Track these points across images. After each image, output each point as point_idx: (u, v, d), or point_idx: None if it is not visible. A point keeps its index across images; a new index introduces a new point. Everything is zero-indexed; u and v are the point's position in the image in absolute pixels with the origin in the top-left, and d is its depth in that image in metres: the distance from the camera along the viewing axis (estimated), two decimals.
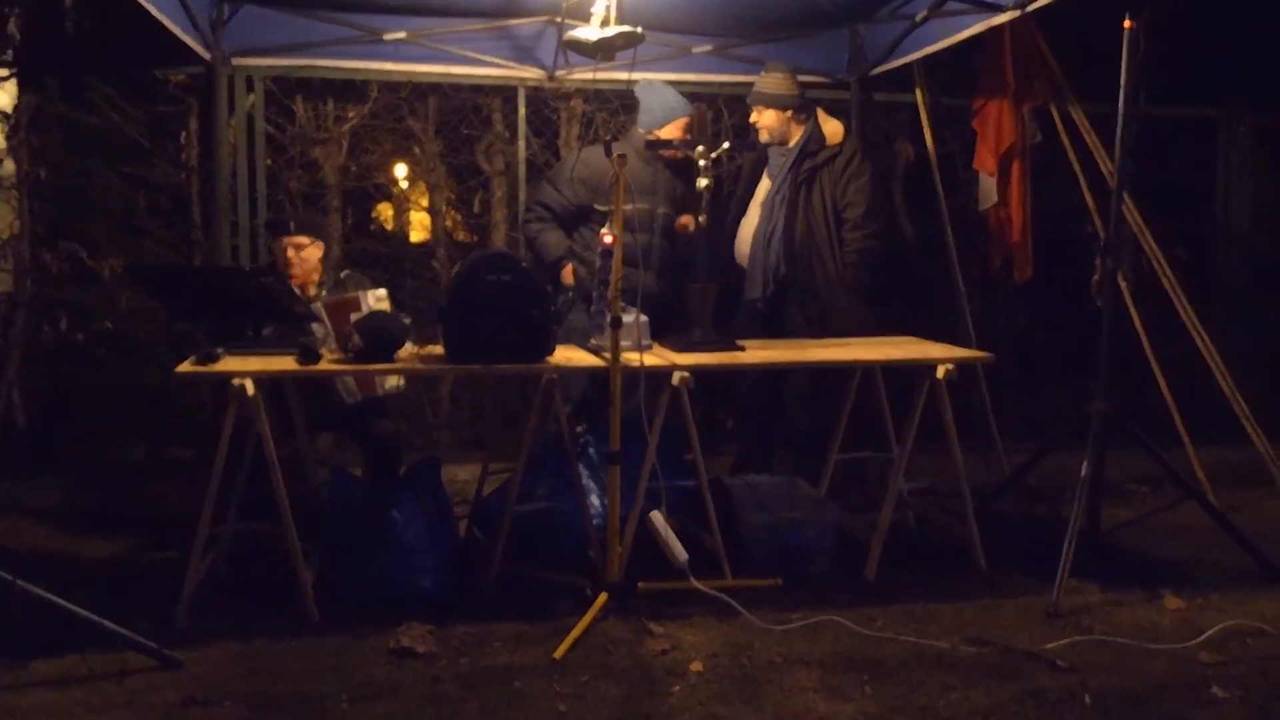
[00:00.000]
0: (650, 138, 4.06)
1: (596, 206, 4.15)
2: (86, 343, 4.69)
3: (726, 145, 3.86)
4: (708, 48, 4.81)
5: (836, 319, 4.18)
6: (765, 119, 4.25)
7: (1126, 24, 3.58)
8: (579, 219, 4.25)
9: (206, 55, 4.36)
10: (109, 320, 4.71)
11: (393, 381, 3.84)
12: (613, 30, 3.77)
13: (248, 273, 4.34)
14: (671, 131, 4.16)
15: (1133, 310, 4.79)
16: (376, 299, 3.72)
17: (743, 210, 4.39)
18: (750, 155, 4.52)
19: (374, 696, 2.69)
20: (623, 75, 4.44)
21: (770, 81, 4.24)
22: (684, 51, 4.80)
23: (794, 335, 4.13)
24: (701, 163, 3.63)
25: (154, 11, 3.54)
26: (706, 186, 3.64)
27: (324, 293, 3.95)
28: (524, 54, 4.78)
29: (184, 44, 4.06)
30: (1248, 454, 4.69)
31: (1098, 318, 3.79)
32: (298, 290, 3.94)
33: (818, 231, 4.20)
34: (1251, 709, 2.66)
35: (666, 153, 4.20)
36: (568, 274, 4.21)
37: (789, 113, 4.25)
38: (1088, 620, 3.22)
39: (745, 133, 4.96)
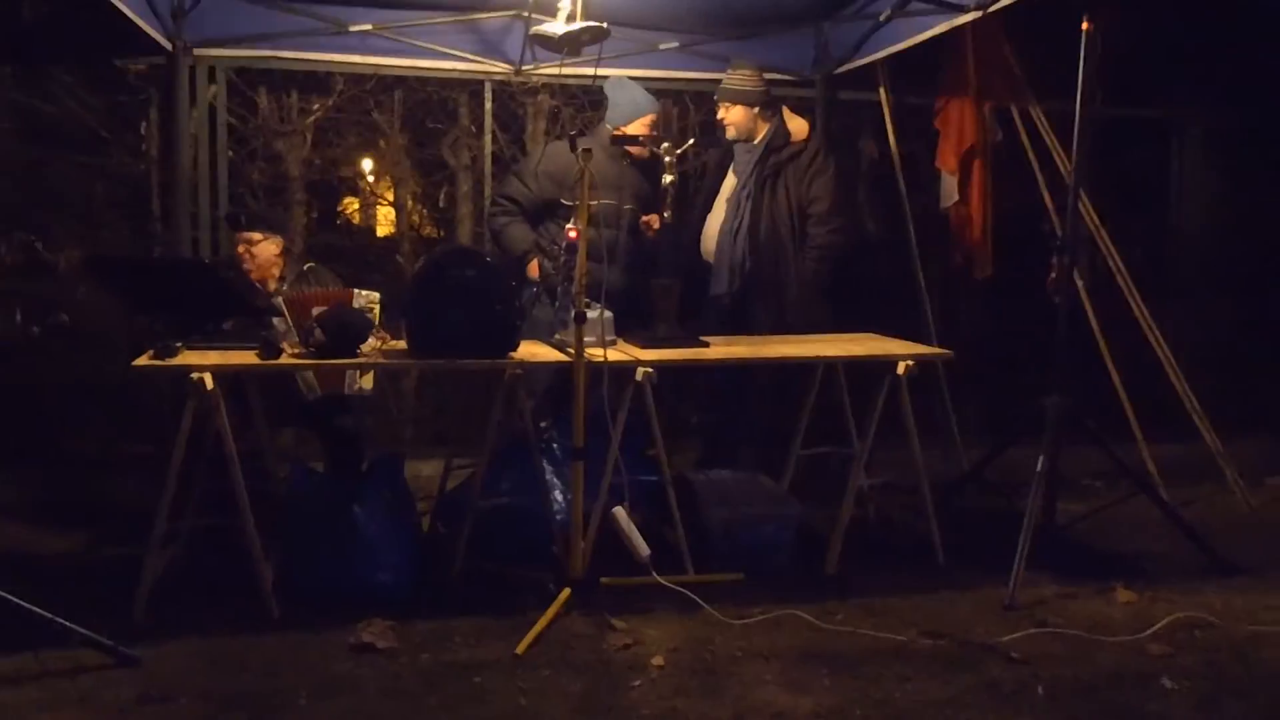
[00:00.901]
0: (616, 134, 4.06)
1: (562, 201, 4.15)
2: (42, 335, 4.62)
3: (692, 142, 3.89)
4: (674, 44, 4.83)
5: (799, 315, 4.21)
6: (732, 115, 4.27)
7: (1085, 25, 3.64)
8: (545, 214, 4.25)
9: (168, 45, 4.30)
10: (65, 312, 4.63)
11: (361, 382, 3.82)
12: (579, 25, 3.78)
13: (207, 265, 4.29)
14: (638, 129, 4.17)
15: (1089, 307, 4.86)
16: (368, 300, 3.67)
17: (708, 206, 4.42)
18: (716, 152, 4.55)
19: (334, 692, 2.68)
20: (589, 70, 4.44)
21: (737, 78, 4.26)
22: (650, 47, 4.80)
23: (759, 331, 4.16)
24: (667, 159, 3.64)
25: (114, 0, 3.49)
26: (671, 183, 3.66)
27: (285, 287, 3.92)
28: (491, 48, 4.76)
29: (145, 33, 4.00)
30: (1198, 449, 4.78)
31: (1055, 315, 3.86)
32: (258, 285, 3.91)
33: (782, 228, 4.23)
34: (1199, 699, 2.73)
35: (633, 150, 4.21)
36: (533, 268, 4.21)
37: (756, 109, 4.27)
38: (1042, 613, 3.27)
39: (711, 129, 4.98)
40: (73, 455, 4.60)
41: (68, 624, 2.71)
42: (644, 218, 4.24)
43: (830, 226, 4.24)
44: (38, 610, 2.68)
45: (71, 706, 2.57)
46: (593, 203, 3.87)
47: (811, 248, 4.23)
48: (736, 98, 4.25)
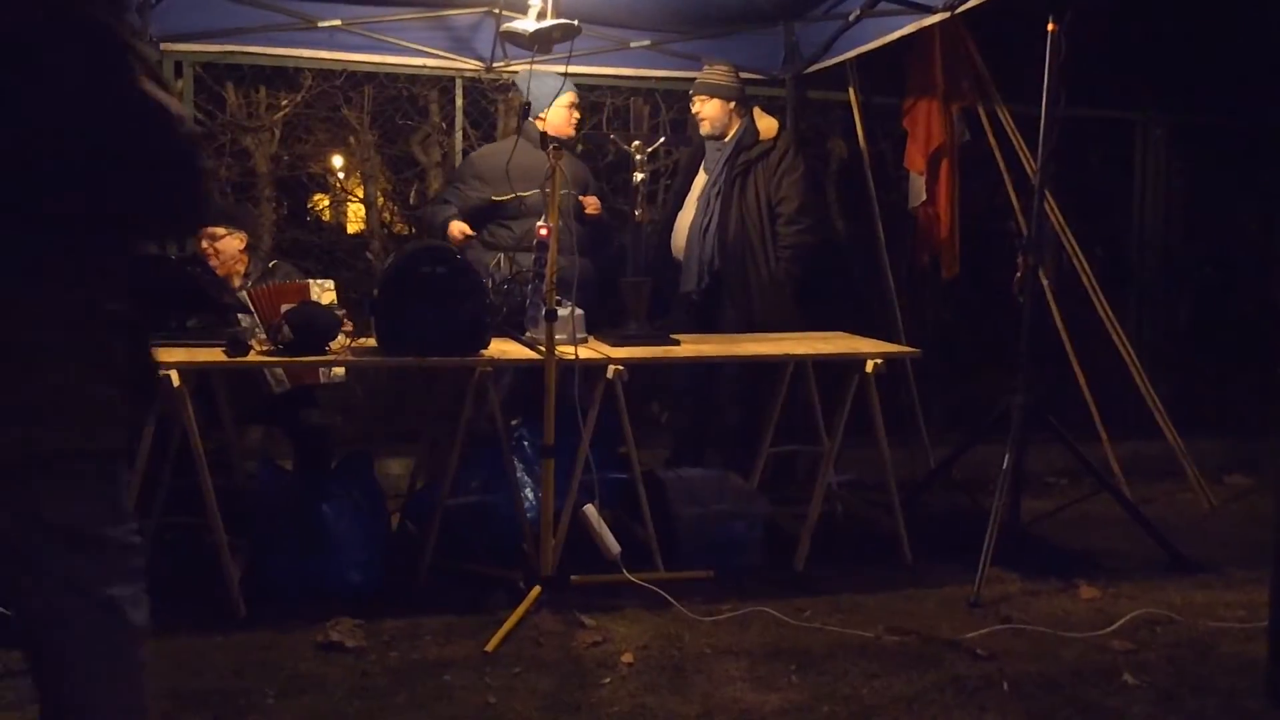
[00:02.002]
0: (540, 124, 4.05)
1: (494, 199, 4.12)
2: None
3: (663, 140, 3.90)
4: (645, 42, 4.83)
5: (768, 313, 4.23)
6: (708, 109, 4.28)
7: (1050, 26, 3.68)
8: (483, 216, 4.20)
9: None
10: None
11: (335, 371, 3.80)
12: (550, 22, 3.77)
13: (174, 261, 4.25)
14: (561, 111, 4.18)
15: (1053, 306, 4.93)
16: (323, 289, 3.66)
17: (679, 204, 4.43)
18: (687, 149, 4.56)
19: (301, 691, 2.67)
20: (560, 68, 4.43)
21: (715, 73, 4.29)
22: (622, 45, 4.80)
23: (727, 328, 4.18)
24: (637, 157, 3.65)
25: None
26: (642, 180, 3.67)
27: (249, 283, 3.89)
28: (462, 45, 4.74)
29: None
30: (1161, 447, 4.86)
31: (1019, 314, 3.90)
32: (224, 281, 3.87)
33: (751, 226, 4.25)
34: (1160, 695, 2.77)
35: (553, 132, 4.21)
36: (455, 230, 4.09)
37: (731, 105, 4.29)
38: (1007, 609, 3.32)
39: (682, 127, 5.00)
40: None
41: None
42: (582, 198, 4.22)
43: (799, 226, 4.27)
44: None
45: (34, 705, 2.53)
46: (524, 194, 3.90)
47: (782, 247, 4.26)
48: (714, 91, 4.27)
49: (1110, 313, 4.98)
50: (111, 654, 1.73)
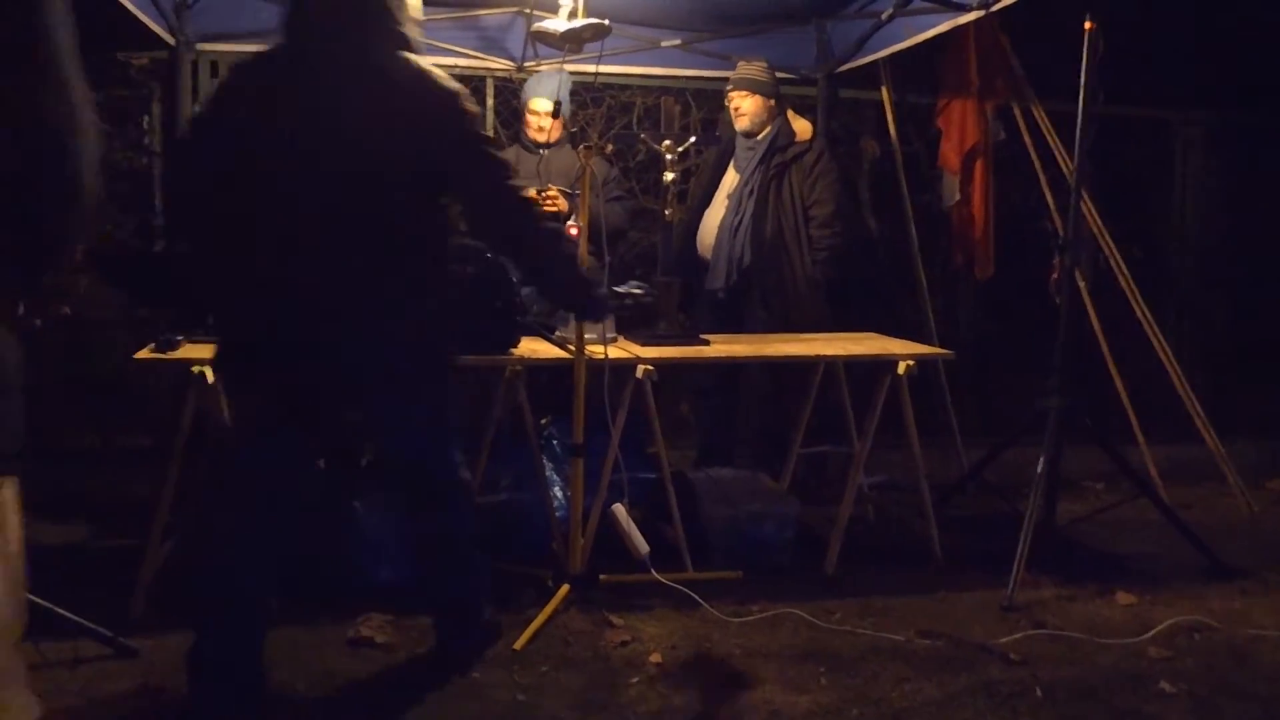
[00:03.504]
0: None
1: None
2: (44, 328, 4.62)
3: (693, 140, 3.88)
4: (676, 42, 4.82)
5: (801, 314, 4.21)
6: (748, 104, 4.25)
7: (1087, 24, 3.63)
8: None
9: (170, 40, 4.30)
10: (67, 305, 4.64)
11: None
12: (580, 22, 3.77)
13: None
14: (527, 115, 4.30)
15: (1090, 308, 4.86)
16: None
17: (706, 202, 4.41)
18: (714, 148, 4.54)
19: (332, 687, 2.68)
20: (590, 68, 4.44)
21: (753, 69, 4.26)
22: (652, 45, 4.80)
23: (754, 328, 4.16)
24: (668, 156, 3.64)
25: None
26: (673, 180, 3.66)
27: None
28: (492, 45, 4.76)
29: (147, 28, 4.00)
30: (1200, 451, 4.78)
31: (1056, 315, 3.85)
32: None
33: (786, 227, 4.23)
34: (1197, 703, 2.72)
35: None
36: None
37: (770, 102, 4.27)
38: (1041, 614, 3.27)
39: (713, 126, 4.98)
40: (74, 447, 4.61)
41: (67, 613, 2.71)
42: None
43: (834, 229, 4.25)
44: (39, 600, 2.67)
45: (71, 697, 2.57)
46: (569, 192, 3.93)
47: (816, 249, 4.23)
48: (755, 87, 4.24)
49: (1148, 314, 4.91)
50: None
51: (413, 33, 2.33)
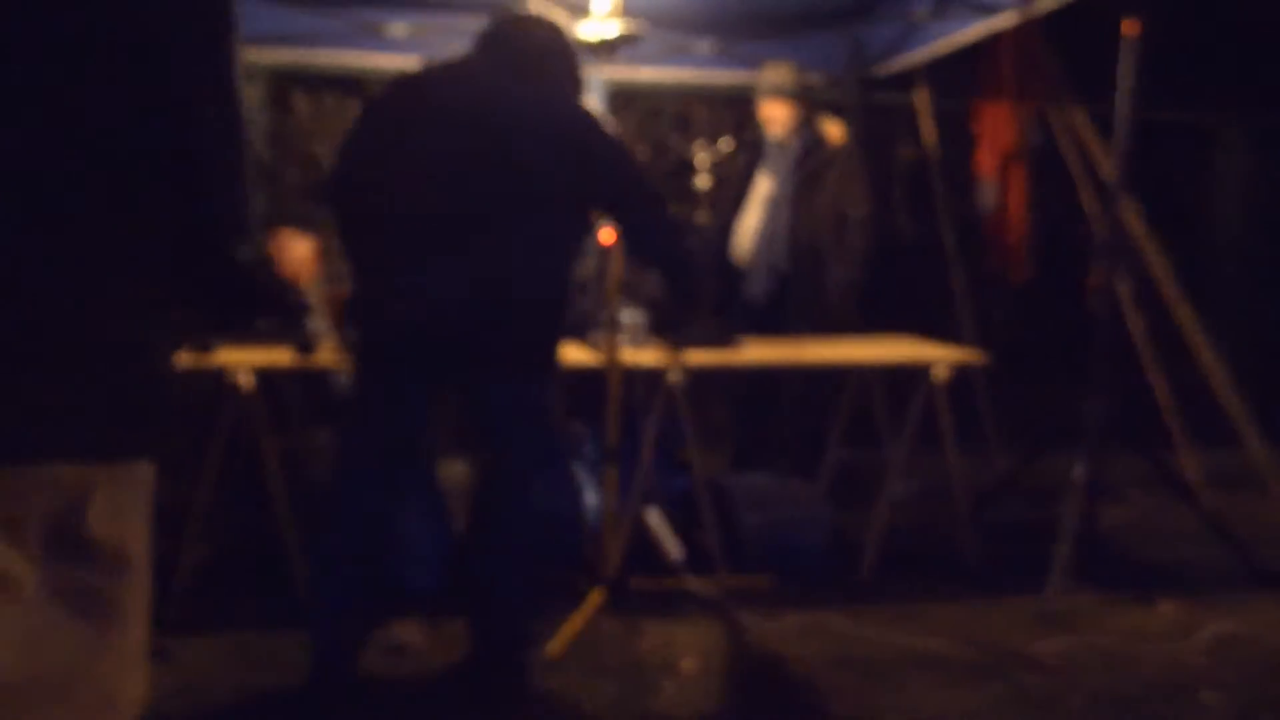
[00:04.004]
0: None
1: None
2: None
3: (724, 144, 3.88)
4: (708, 46, 4.82)
5: (840, 318, 4.19)
6: (780, 112, 4.22)
7: (1127, 27, 3.59)
8: None
9: None
10: None
11: None
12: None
13: (242, 264, 4.34)
14: None
15: (1130, 313, 4.79)
16: None
17: (738, 208, 4.39)
18: (744, 153, 4.51)
19: (367, 690, 2.69)
20: (623, 73, 4.45)
21: (782, 74, 4.22)
22: (684, 49, 4.80)
23: (794, 334, 4.13)
24: (699, 160, 3.63)
25: None
26: (704, 184, 3.65)
27: (318, 286, 3.95)
28: None
29: None
30: (1242, 457, 4.69)
31: (1095, 320, 3.80)
32: (292, 284, 3.94)
33: (823, 232, 4.21)
34: (1239, 713, 2.67)
35: None
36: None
37: (801, 106, 4.25)
38: (1079, 622, 3.23)
39: (743, 131, 4.97)
40: None
41: None
42: None
43: (870, 232, 4.23)
44: None
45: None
46: None
47: (853, 251, 4.21)
48: (786, 94, 4.20)
49: (1190, 317, 4.83)
50: None
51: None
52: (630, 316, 3.42)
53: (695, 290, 3.16)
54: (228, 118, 1.43)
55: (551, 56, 2.59)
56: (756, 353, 3.64)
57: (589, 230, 2.77)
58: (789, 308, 4.23)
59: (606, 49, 3.84)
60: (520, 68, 2.54)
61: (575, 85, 2.67)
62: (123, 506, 1.36)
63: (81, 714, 1.35)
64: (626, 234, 2.77)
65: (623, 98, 5.06)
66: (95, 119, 1.31)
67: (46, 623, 1.30)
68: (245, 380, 3.05)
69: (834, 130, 4.33)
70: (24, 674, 1.28)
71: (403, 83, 2.62)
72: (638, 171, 2.73)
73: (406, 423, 2.60)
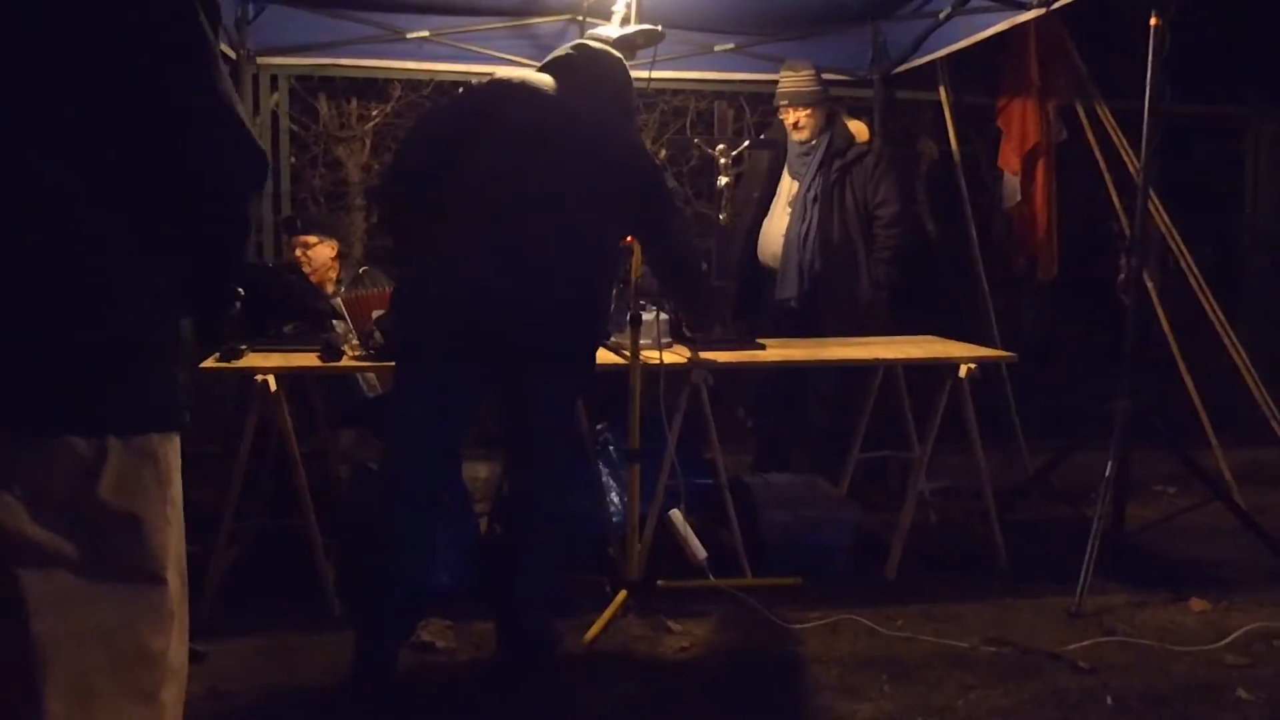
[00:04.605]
0: None
1: None
2: None
3: (747, 144, 3.86)
4: (729, 45, 4.81)
5: (872, 318, 4.17)
6: (805, 118, 4.19)
7: (1153, 20, 3.55)
8: None
9: (232, 54, 4.39)
10: None
11: None
12: (633, 28, 3.76)
13: (270, 269, 4.37)
14: None
15: (1159, 308, 4.74)
16: None
17: (764, 210, 4.37)
18: (765, 154, 4.48)
19: (395, 690, 2.70)
20: (644, 74, 4.43)
21: (802, 78, 4.20)
22: (705, 49, 4.79)
23: (827, 334, 4.10)
24: (722, 161, 3.62)
25: None
26: (727, 184, 3.64)
27: (341, 290, 3.98)
28: (545, 52, 4.68)
29: None
30: (1275, 454, 4.63)
31: (1123, 316, 3.76)
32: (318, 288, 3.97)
33: (853, 231, 4.18)
34: (1275, 712, 2.63)
35: None
36: None
37: (824, 108, 4.23)
38: (1111, 621, 3.19)
39: (765, 131, 4.95)
40: None
41: None
42: None
43: (900, 229, 4.21)
44: None
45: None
46: None
47: (883, 248, 4.19)
48: (807, 99, 4.18)
49: (1220, 314, 4.77)
50: None
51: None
52: (652, 317, 3.41)
53: (710, 317, 3.35)
54: (223, 130, 1.49)
55: (615, 85, 2.86)
56: (779, 352, 3.62)
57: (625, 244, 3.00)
58: (821, 308, 4.21)
59: (627, 50, 3.83)
60: (591, 93, 2.78)
61: (631, 112, 3.00)
62: (133, 475, 1.44)
63: (121, 667, 1.43)
64: (653, 253, 2.95)
65: (644, 98, 5.05)
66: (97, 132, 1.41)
67: (74, 584, 1.40)
68: (271, 384, 3.06)
69: (858, 127, 4.31)
70: (63, 631, 1.38)
71: (482, 88, 2.79)
72: (672, 200, 3.00)
73: (449, 416, 2.69)
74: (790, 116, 4.22)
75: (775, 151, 4.36)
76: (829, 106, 4.25)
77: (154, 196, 1.46)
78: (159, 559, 1.47)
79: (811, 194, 4.20)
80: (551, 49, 4.71)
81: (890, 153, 4.33)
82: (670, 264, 2.97)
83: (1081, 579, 3.26)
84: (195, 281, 1.57)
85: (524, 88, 2.75)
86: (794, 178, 4.29)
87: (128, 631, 1.44)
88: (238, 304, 1.73)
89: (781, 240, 4.24)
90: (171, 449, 1.52)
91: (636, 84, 3.67)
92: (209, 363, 3.13)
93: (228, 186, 1.53)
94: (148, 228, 1.46)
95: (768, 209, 4.35)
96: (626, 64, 2.91)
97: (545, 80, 2.80)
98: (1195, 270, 4.81)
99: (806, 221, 4.19)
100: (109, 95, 1.41)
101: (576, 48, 2.91)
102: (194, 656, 2.77)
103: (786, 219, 4.25)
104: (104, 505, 1.41)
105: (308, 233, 4.00)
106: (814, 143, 4.24)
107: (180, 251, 1.51)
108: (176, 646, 1.51)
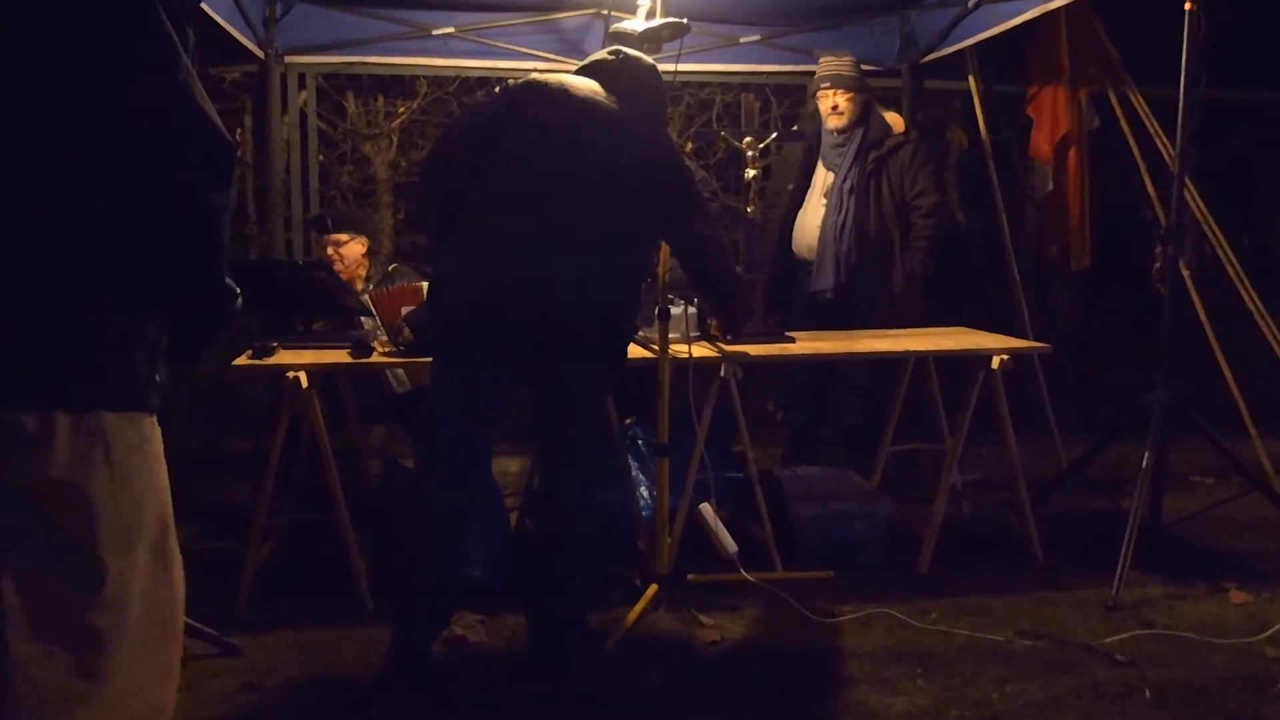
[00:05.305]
0: None
1: None
2: None
3: (774, 135, 3.83)
4: (755, 37, 4.78)
5: (908, 309, 4.14)
6: (846, 102, 4.16)
7: (1187, 5, 3.49)
8: None
9: (260, 53, 4.42)
10: None
11: None
12: (659, 21, 3.76)
13: (301, 267, 4.40)
14: None
15: (1195, 297, 4.67)
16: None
17: (798, 201, 4.33)
18: (799, 146, 4.45)
19: (428, 683, 2.71)
20: (670, 67, 4.42)
21: (845, 63, 4.16)
22: (731, 41, 4.77)
23: (864, 325, 4.07)
24: (749, 153, 3.60)
25: (208, 10, 3.60)
26: (754, 177, 3.62)
27: (370, 286, 3.99)
28: (570, 47, 4.78)
29: (238, 42, 4.12)
30: None
31: (1158, 306, 3.70)
32: (348, 285, 3.99)
33: (889, 222, 4.15)
34: None
35: None
36: None
37: (863, 97, 4.19)
38: (1148, 614, 3.15)
39: (793, 122, 4.92)
40: (176, 452, 4.76)
41: None
42: None
43: (937, 219, 4.18)
44: None
45: (181, 693, 2.60)
46: None
47: (920, 239, 4.15)
48: (850, 83, 4.14)
49: (1258, 303, 4.69)
50: None
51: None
52: (680, 311, 3.40)
53: (740, 316, 3.33)
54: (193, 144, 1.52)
55: (651, 89, 2.92)
56: (808, 345, 3.60)
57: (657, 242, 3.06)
58: (857, 299, 4.17)
59: (653, 43, 3.82)
60: (626, 96, 2.84)
61: (664, 115, 3.15)
62: (82, 454, 1.48)
63: (66, 643, 1.48)
64: (683, 252, 2.98)
65: (670, 91, 5.03)
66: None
67: (44, 559, 1.46)
68: (303, 381, 3.08)
69: (893, 118, 4.27)
70: (37, 596, 1.46)
71: (519, 88, 2.84)
72: (703, 200, 3.03)
73: (482, 410, 2.73)
74: (830, 99, 4.17)
75: (808, 143, 4.32)
76: (867, 96, 4.22)
77: (110, 186, 1.47)
78: (101, 538, 1.50)
79: (848, 185, 4.16)
80: (576, 44, 4.77)
81: (927, 144, 4.29)
82: (699, 262, 2.99)
83: (1118, 571, 3.22)
84: (167, 274, 1.57)
85: (561, 89, 2.80)
86: (829, 169, 4.26)
87: (76, 607, 1.48)
88: (237, 300, 1.70)
89: (817, 232, 4.20)
90: (130, 429, 1.54)
91: (663, 77, 3.67)
92: (241, 360, 3.15)
93: (184, 175, 1.52)
94: (105, 218, 1.48)
95: (801, 201, 4.31)
96: (656, 65, 2.96)
97: (584, 83, 2.85)
98: (1233, 259, 4.73)
99: (843, 212, 4.15)
100: (59, 81, 1.43)
101: (614, 52, 2.95)
102: (231, 651, 2.83)
103: (822, 210, 4.22)
104: (56, 482, 1.45)
105: (338, 230, 4.02)
106: (849, 133, 4.20)
107: (141, 240, 1.52)
108: (122, 628, 1.54)
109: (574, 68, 4.92)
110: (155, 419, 1.63)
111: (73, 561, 1.48)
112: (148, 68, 1.47)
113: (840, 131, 4.19)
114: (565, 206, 2.69)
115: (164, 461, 1.66)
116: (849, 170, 4.17)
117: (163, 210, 1.53)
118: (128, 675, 1.54)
